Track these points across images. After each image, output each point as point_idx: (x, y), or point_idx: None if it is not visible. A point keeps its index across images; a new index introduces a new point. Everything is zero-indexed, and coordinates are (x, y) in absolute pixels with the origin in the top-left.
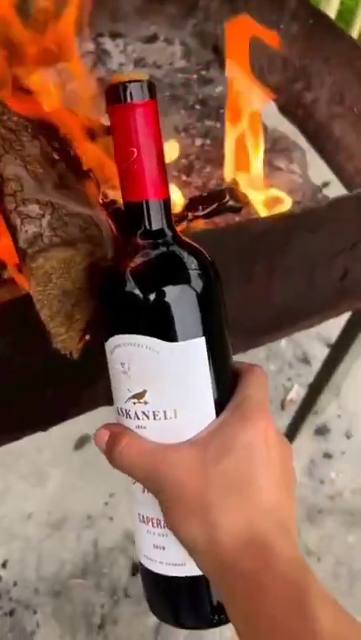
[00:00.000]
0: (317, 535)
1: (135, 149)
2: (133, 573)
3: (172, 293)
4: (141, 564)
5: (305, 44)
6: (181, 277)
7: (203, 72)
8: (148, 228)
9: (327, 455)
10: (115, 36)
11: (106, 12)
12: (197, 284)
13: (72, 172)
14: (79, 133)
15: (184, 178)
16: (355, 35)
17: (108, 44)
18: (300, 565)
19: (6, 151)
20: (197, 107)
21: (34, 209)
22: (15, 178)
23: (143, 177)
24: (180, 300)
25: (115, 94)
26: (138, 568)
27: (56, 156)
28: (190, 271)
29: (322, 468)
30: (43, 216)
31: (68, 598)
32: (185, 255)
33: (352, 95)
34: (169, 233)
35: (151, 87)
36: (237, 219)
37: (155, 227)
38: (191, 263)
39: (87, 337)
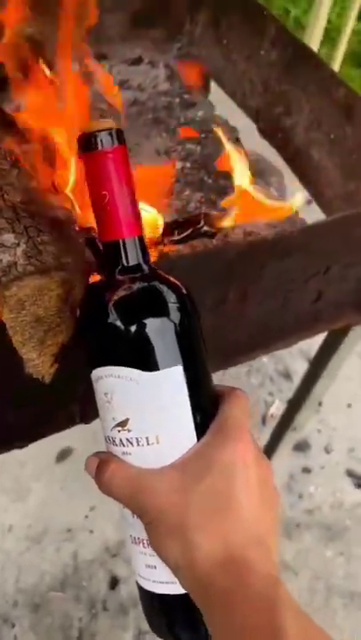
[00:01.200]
0: (295, 549)
1: (107, 193)
2: (112, 587)
3: (147, 326)
4: (138, 584)
5: (284, 70)
6: (155, 310)
7: (185, 96)
8: (125, 264)
9: (306, 470)
10: (100, 57)
11: (92, 35)
12: (171, 315)
13: (50, 201)
14: (62, 156)
15: (163, 200)
16: (341, 52)
17: (92, 65)
18: (273, 580)
19: None
20: (179, 130)
21: (9, 238)
22: None
23: (117, 218)
24: (155, 331)
25: (86, 143)
26: (116, 581)
27: (33, 184)
28: (164, 304)
29: (301, 483)
30: (18, 245)
31: (47, 611)
32: (159, 289)
33: (329, 122)
34: (145, 267)
35: (119, 134)
36: (214, 241)
37: (131, 263)
38: (165, 296)
39: (57, 363)
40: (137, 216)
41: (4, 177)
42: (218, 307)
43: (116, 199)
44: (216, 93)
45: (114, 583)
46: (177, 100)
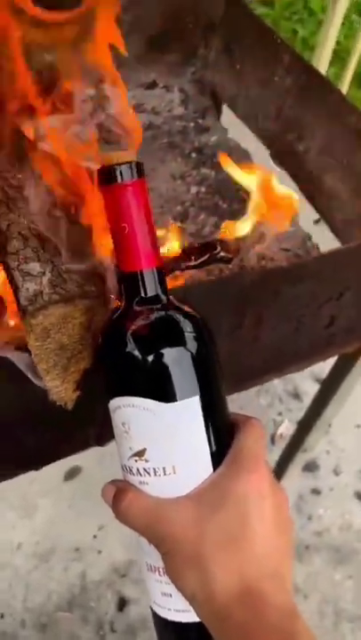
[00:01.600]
0: (305, 572)
1: (126, 225)
2: (120, 608)
3: (165, 357)
4: (152, 611)
5: (297, 96)
6: (173, 341)
7: (199, 120)
8: (143, 295)
9: (315, 491)
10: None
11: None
12: (189, 347)
13: (73, 229)
14: (80, 184)
15: (179, 224)
16: (350, 73)
17: (108, 89)
18: (289, 613)
19: (10, 210)
20: (193, 155)
21: (35, 267)
22: (18, 236)
23: (136, 249)
24: (173, 362)
25: (106, 176)
26: (125, 602)
27: (57, 213)
28: (182, 335)
29: (310, 504)
30: (43, 274)
31: (54, 632)
32: (177, 320)
33: (342, 147)
34: (163, 298)
35: (139, 167)
36: (230, 266)
37: (150, 293)
38: (183, 327)
39: (80, 390)
40: (155, 248)
41: (29, 206)
42: (234, 332)
43: (135, 231)
44: (228, 115)
45: (122, 604)
46: (191, 124)
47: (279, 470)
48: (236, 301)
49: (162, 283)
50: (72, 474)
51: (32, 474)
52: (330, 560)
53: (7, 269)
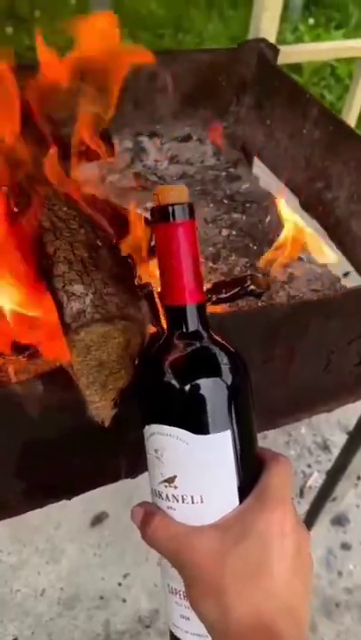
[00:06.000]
0: (335, 631)
1: (175, 261)
2: None
3: (201, 391)
4: (171, 632)
5: (326, 148)
6: (211, 376)
7: (231, 170)
8: (185, 329)
9: (345, 546)
10: (152, 135)
11: (145, 114)
12: (226, 382)
13: (112, 257)
14: (118, 221)
15: (211, 264)
16: None
17: (145, 142)
18: None
19: (57, 237)
20: (225, 201)
21: (79, 288)
22: (64, 261)
23: (182, 285)
24: (209, 396)
25: (161, 214)
26: None
27: (99, 243)
28: (218, 371)
29: (340, 560)
30: (86, 295)
31: None
32: (217, 355)
33: None
34: (203, 333)
35: (191, 209)
36: (259, 303)
37: (191, 328)
38: (222, 363)
39: (117, 408)
40: (200, 284)
41: (73, 235)
42: (264, 365)
43: (182, 268)
44: (260, 164)
45: None
46: (223, 173)
47: (308, 522)
48: (268, 333)
49: (203, 318)
50: (98, 519)
51: (58, 518)
52: None
53: (53, 290)
